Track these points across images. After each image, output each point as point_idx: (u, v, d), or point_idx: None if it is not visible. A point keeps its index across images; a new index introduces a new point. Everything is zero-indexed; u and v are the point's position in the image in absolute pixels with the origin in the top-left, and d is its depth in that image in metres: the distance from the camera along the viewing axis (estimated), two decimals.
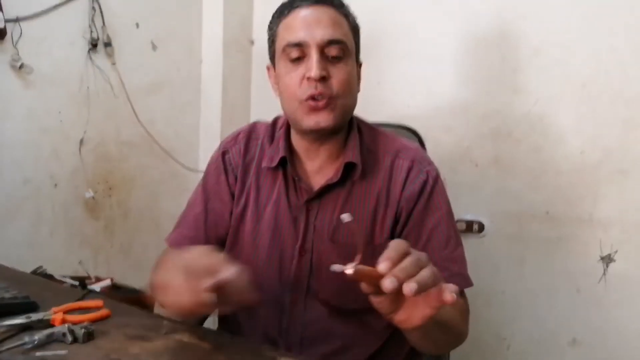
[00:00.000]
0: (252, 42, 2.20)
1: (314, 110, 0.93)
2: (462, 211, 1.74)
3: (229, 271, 0.69)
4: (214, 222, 1.03)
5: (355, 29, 1.00)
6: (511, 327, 1.69)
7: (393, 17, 1.86)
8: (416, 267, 0.64)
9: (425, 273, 0.64)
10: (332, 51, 0.93)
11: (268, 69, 1.05)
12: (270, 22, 1.01)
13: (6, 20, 1.53)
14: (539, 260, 1.64)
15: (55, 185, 1.69)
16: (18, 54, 1.56)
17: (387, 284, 0.62)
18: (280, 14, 0.98)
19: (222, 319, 1.09)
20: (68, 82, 1.70)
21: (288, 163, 0.99)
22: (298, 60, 0.93)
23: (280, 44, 0.96)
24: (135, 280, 1.75)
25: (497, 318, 1.71)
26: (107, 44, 1.79)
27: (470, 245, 1.72)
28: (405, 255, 0.65)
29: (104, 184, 1.81)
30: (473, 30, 1.73)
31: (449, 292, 0.65)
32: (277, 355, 0.71)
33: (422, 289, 0.62)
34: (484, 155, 1.71)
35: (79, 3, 1.71)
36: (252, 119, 2.22)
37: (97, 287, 1.42)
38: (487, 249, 1.72)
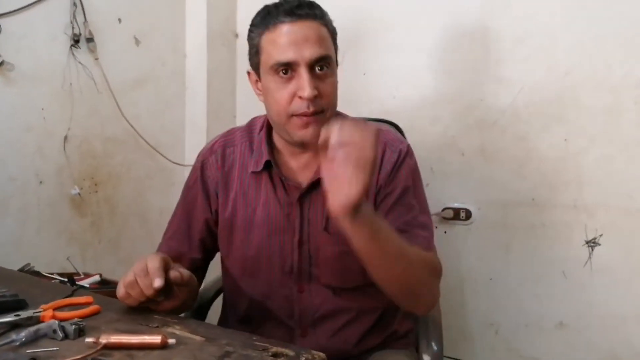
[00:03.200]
0: (236, 35, 2.19)
1: (305, 125, 0.96)
2: (450, 199, 1.76)
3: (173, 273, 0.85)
4: (200, 239, 1.10)
5: (334, 35, 1.02)
6: (499, 312, 1.72)
7: (378, 9, 1.86)
8: None
9: None
10: (319, 65, 0.96)
11: (249, 73, 1.06)
12: (251, 31, 1.01)
13: None
14: (525, 246, 1.66)
15: (41, 182, 1.67)
16: None
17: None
18: (262, 24, 0.98)
19: (227, 315, 1.15)
20: (50, 79, 1.68)
21: (273, 165, 1.03)
22: (287, 75, 0.96)
23: (267, 60, 0.97)
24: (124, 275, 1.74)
25: (484, 304, 1.73)
26: (90, 40, 1.76)
27: (457, 232, 1.75)
28: None
29: (90, 181, 1.79)
30: (457, 20, 1.73)
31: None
32: (268, 345, 0.71)
33: None
34: (470, 145, 1.73)
35: None
36: (238, 112, 2.22)
37: (86, 283, 1.40)
38: (475, 237, 1.74)
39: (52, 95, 1.69)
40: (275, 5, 0.99)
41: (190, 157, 2.10)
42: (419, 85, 1.81)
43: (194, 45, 2.10)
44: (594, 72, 1.53)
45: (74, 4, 1.71)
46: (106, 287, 1.44)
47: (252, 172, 1.05)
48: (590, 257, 1.58)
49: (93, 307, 0.83)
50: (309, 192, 1.03)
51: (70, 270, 1.55)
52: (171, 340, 0.70)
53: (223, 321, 1.16)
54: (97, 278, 1.46)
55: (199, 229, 1.09)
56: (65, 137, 1.72)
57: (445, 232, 1.77)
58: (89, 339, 0.69)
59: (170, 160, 2.04)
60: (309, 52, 0.94)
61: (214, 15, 2.09)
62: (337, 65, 1.04)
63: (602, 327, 1.56)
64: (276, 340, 0.74)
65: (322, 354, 0.69)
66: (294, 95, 0.95)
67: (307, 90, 0.93)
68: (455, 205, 1.75)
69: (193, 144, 2.09)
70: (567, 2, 1.56)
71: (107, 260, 1.83)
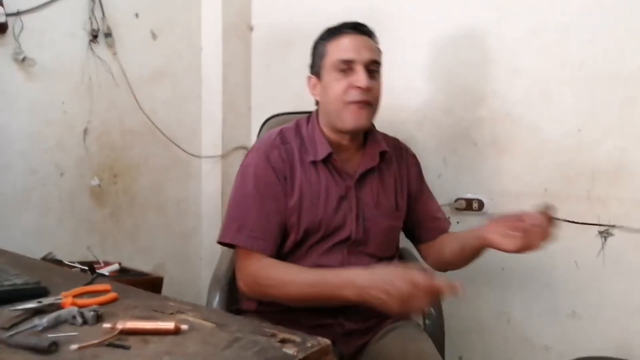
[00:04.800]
0: (251, 28, 2.21)
1: (357, 110, 1.21)
2: (463, 190, 1.77)
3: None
4: (278, 223, 1.21)
5: (381, 55, 1.27)
6: (511, 302, 1.73)
7: (392, 4, 1.86)
8: None
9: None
10: (372, 68, 1.22)
11: (309, 78, 1.30)
12: (318, 43, 1.28)
13: (7, 15, 1.56)
14: None
15: (62, 174, 1.72)
16: (20, 47, 1.59)
17: None
18: (328, 36, 1.25)
19: None
20: (70, 74, 1.73)
21: (334, 156, 1.24)
22: (345, 73, 1.20)
23: (331, 59, 1.22)
24: (142, 264, 1.79)
25: (496, 294, 1.74)
26: (108, 35, 1.81)
27: (470, 222, 1.76)
28: None
29: (109, 172, 1.84)
30: (470, 12, 1.73)
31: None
32: (277, 332, 0.74)
33: None
34: (482, 136, 1.73)
35: None
36: (254, 105, 2.25)
37: (105, 271, 1.46)
38: None
39: (72, 89, 1.74)
40: (342, 23, 1.25)
41: (207, 149, 2.14)
42: (432, 77, 1.81)
43: (209, 38, 2.12)
44: (608, 64, 1.53)
45: (92, 0, 1.75)
46: (125, 275, 1.49)
47: (312, 162, 1.23)
48: (603, 248, 1.58)
49: (111, 295, 0.87)
50: (359, 179, 1.27)
51: (91, 259, 1.60)
52: (184, 327, 0.73)
53: None
54: (116, 266, 1.52)
55: (278, 222, 1.20)
56: (85, 130, 1.77)
57: (458, 222, 1.78)
58: (107, 325, 0.73)
59: (187, 152, 2.08)
60: (366, 55, 1.21)
61: (228, 8, 2.11)
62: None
63: (615, 316, 1.56)
64: (284, 328, 0.76)
65: (327, 341, 0.71)
66: (348, 86, 1.19)
67: (362, 81, 1.18)
68: (468, 196, 1.76)
69: (209, 136, 2.12)
70: None
71: (126, 249, 1.88)
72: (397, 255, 1.39)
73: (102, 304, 0.83)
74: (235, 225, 1.19)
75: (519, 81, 1.67)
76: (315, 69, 1.28)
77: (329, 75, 1.23)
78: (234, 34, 2.14)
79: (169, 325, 0.72)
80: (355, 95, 1.19)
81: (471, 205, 1.74)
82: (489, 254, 1.78)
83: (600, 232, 1.58)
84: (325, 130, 1.27)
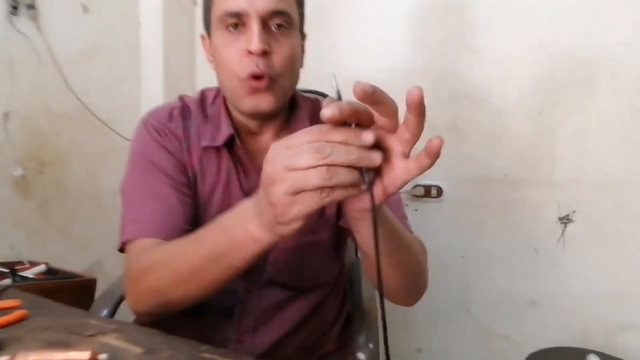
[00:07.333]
0: (194, 2, 2.06)
1: (255, 91, 0.84)
2: (421, 176, 1.69)
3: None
4: (176, 201, 0.86)
5: (299, 0, 0.90)
6: (470, 291, 1.68)
7: None
8: None
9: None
10: (276, 22, 0.84)
11: (202, 38, 0.95)
12: None
13: None
14: (497, 224, 1.62)
15: None
16: None
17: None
18: None
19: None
20: None
21: (237, 141, 0.90)
22: (237, 30, 0.84)
23: (216, 11, 0.86)
24: (76, 262, 1.64)
25: (456, 283, 1.69)
26: (30, 6, 1.63)
27: (428, 210, 1.69)
28: None
29: (36, 161, 1.66)
30: None
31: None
32: (218, 357, 0.63)
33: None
34: (442, 120, 1.66)
35: None
36: (198, 86, 2.10)
37: (30, 273, 1.30)
38: (446, 214, 1.69)
39: None
40: None
41: None
42: (390, 57, 1.73)
43: (148, 12, 1.97)
44: (569, 45, 1.49)
45: None
46: (53, 277, 1.34)
47: (210, 148, 0.90)
48: (563, 234, 1.54)
49: (19, 313, 0.73)
50: None
51: (14, 258, 1.44)
52: (102, 357, 0.61)
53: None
54: (42, 267, 1.37)
55: (175, 201, 0.86)
56: (6, 114, 1.59)
57: (416, 210, 1.71)
58: (3, 358, 0.60)
59: (124, 138, 1.91)
60: (263, 3, 0.82)
61: None
62: (302, 34, 0.92)
63: (574, 304, 1.54)
64: (228, 351, 0.65)
65: None
66: (243, 53, 0.83)
67: (254, 43, 0.81)
68: (426, 182, 1.69)
69: None
70: None
71: (56, 246, 1.71)
72: (342, 281, 1.06)
73: (6, 326, 0.70)
74: (126, 225, 0.89)
75: (478, 62, 1.60)
76: (205, 24, 0.92)
77: (217, 35, 0.87)
78: (176, 9, 1.99)
79: (83, 356, 0.60)
80: (247, 65, 0.82)
81: (430, 192, 1.68)
82: (448, 243, 1.73)
83: (560, 219, 1.54)
84: (231, 108, 0.93)
